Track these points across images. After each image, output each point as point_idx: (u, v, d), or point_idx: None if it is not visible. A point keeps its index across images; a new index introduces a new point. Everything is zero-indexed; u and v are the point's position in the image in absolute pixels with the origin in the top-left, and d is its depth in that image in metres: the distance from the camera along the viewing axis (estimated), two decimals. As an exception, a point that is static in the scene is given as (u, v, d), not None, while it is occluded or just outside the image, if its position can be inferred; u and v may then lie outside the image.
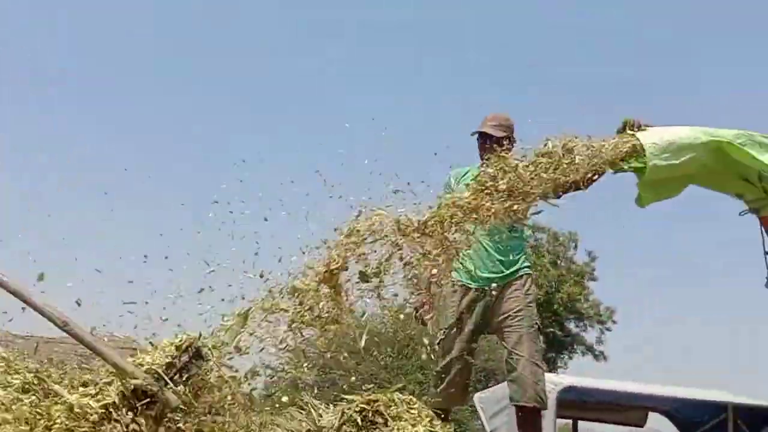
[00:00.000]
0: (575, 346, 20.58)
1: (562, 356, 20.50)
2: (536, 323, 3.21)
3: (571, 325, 20.56)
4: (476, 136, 3.36)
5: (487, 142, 3.29)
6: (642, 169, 2.83)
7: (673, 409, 6.95)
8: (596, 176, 2.78)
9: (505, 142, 3.31)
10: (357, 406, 2.30)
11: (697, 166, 2.96)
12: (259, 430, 2.16)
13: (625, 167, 2.87)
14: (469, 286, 3.23)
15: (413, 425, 2.26)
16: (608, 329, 20.53)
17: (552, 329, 19.60)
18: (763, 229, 3.37)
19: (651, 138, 2.87)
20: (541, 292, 18.48)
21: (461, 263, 3.22)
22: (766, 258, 3.34)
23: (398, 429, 2.22)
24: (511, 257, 3.25)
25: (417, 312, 3.22)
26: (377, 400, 2.30)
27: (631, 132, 2.91)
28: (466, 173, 3.41)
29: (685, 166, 2.90)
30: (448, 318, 3.23)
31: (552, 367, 19.37)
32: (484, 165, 2.72)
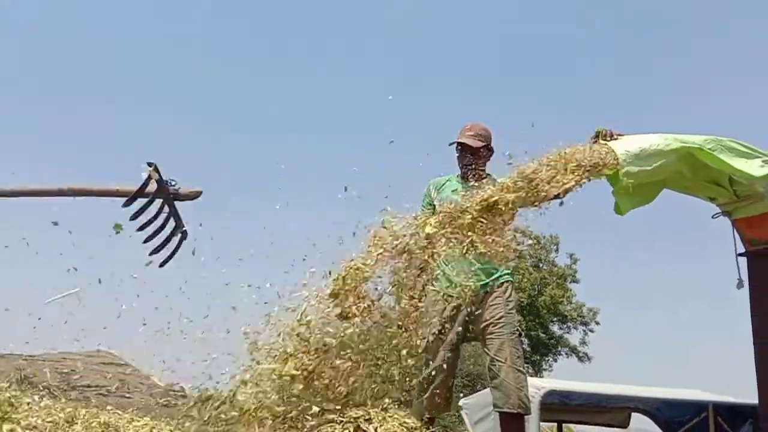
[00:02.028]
0: (560, 348, 20.72)
1: (547, 359, 20.63)
2: (518, 330, 3.25)
3: (555, 328, 20.70)
4: (455, 145, 3.40)
5: (465, 152, 3.34)
6: (615, 176, 2.89)
7: (655, 409, 7.05)
8: (574, 185, 2.84)
9: (482, 152, 3.37)
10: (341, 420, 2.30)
11: (668, 172, 3.03)
12: None
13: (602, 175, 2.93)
14: (451, 294, 3.26)
15: None
16: (591, 330, 20.73)
17: (536, 332, 19.73)
18: (735, 231, 3.45)
19: (623, 146, 2.93)
20: (524, 295, 18.61)
21: (442, 271, 3.26)
22: (737, 260, 3.42)
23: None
24: (491, 265, 3.28)
25: (401, 321, 3.24)
26: (360, 416, 2.31)
27: (604, 141, 2.97)
28: (446, 182, 3.46)
29: (657, 172, 2.97)
30: (432, 327, 3.25)
31: (537, 370, 19.48)
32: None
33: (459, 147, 3.39)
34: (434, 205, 3.41)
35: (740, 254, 3.43)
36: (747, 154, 3.15)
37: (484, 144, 3.35)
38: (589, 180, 2.86)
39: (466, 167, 3.38)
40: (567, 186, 2.76)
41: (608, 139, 2.97)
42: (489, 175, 3.42)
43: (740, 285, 3.41)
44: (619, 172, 2.85)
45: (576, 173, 2.77)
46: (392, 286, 2.84)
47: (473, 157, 3.35)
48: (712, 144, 3.09)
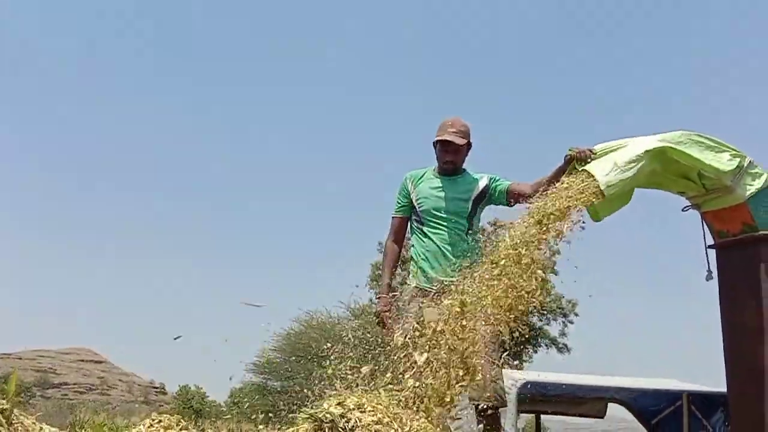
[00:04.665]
0: (539, 340, 20.88)
1: (526, 350, 20.79)
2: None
3: (534, 319, 20.85)
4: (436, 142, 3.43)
5: (448, 149, 3.36)
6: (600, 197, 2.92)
7: (630, 399, 7.16)
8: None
9: (464, 149, 3.40)
10: (323, 411, 2.31)
11: (644, 173, 3.07)
12: None
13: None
14: (428, 289, 3.29)
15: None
16: (571, 322, 20.92)
17: (515, 324, 19.85)
18: (704, 224, 3.52)
19: (600, 167, 2.96)
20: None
21: (419, 267, 3.29)
22: (707, 252, 3.49)
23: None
24: (468, 260, 3.31)
25: (379, 316, 3.27)
26: (344, 404, 2.33)
27: (581, 167, 3.00)
28: (423, 176, 3.48)
29: (636, 177, 3.00)
30: (409, 321, 3.28)
31: (517, 362, 19.66)
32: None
33: (441, 143, 3.40)
34: (411, 199, 3.43)
35: (709, 246, 3.50)
36: (715, 148, 3.21)
37: (466, 141, 3.39)
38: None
39: (447, 163, 3.40)
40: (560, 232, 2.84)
41: (583, 162, 3.01)
42: (465, 169, 3.46)
43: (709, 277, 3.49)
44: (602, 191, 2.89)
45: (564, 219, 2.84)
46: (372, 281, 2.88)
47: (456, 154, 3.38)
48: (683, 138, 3.15)
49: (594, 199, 2.87)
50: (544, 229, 2.81)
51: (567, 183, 2.94)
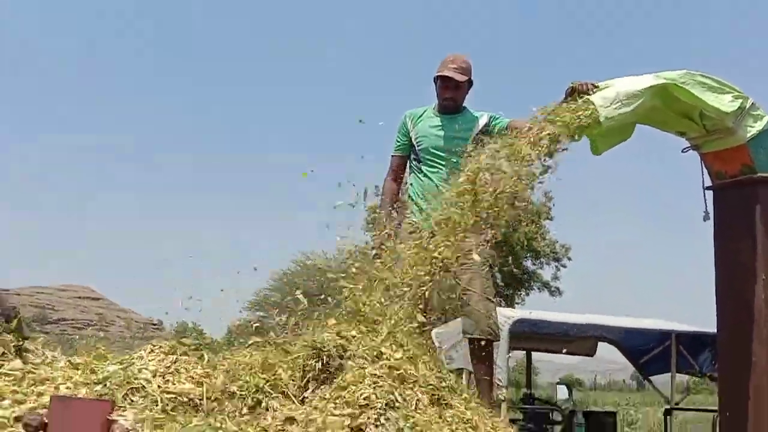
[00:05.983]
0: (532, 283, 21.18)
1: (519, 292, 21.11)
2: (488, 262, 3.32)
3: (528, 263, 21.09)
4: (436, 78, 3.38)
5: (448, 85, 3.31)
6: (596, 125, 2.90)
7: (620, 338, 7.32)
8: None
9: (464, 86, 3.35)
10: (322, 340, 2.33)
11: (645, 108, 3.05)
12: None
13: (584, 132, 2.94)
14: (425, 228, 3.30)
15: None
16: (564, 266, 21.17)
17: (509, 267, 20.11)
18: (703, 165, 3.52)
19: (600, 95, 2.94)
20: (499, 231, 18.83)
21: (418, 206, 3.30)
22: (705, 193, 3.50)
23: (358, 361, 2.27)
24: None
25: (376, 251, 3.29)
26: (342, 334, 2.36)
27: (582, 97, 2.97)
28: (422, 114, 3.45)
29: (636, 112, 2.98)
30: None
31: (509, 303, 19.99)
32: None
33: (442, 79, 3.35)
34: (410, 137, 3.41)
35: (707, 188, 3.51)
36: (718, 89, 3.18)
37: (467, 78, 3.34)
38: (575, 139, 2.89)
39: (447, 100, 3.36)
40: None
41: (585, 95, 2.97)
42: (466, 107, 3.43)
43: (706, 217, 3.51)
44: (599, 121, 2.87)
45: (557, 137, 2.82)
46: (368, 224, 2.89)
47: (456, 90, 3.33)
48: (686, 78, 3.12)
49: (590, 123, 2.86)
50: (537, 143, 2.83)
51: (566, 106, 2.95)
